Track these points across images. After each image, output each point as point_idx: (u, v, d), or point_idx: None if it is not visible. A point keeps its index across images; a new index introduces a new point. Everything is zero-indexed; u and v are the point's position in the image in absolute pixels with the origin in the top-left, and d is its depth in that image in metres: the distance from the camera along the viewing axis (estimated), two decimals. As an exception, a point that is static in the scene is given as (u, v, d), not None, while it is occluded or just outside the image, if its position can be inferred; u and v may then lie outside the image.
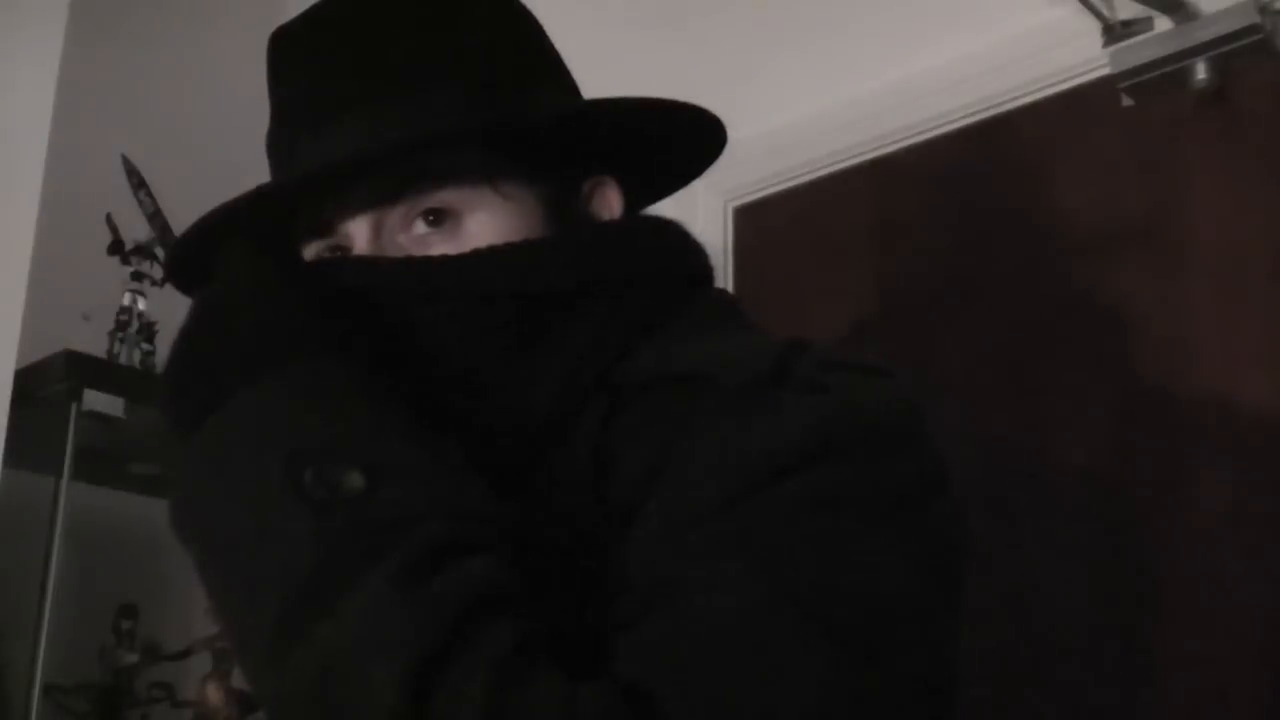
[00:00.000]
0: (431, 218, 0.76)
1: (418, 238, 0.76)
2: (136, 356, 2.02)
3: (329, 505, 0.61)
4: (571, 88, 0.85)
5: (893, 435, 0.69)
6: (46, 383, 1.93)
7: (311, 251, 0.79)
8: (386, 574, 0.58)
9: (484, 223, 0.76)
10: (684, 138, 0.86)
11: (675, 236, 0.84)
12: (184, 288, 0.83)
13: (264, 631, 0.60)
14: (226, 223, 0.76)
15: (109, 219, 2.05)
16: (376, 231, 0.76)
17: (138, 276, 2.04)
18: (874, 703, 0.61)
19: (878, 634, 0.62)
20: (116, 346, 2.02)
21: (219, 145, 2.26)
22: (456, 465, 0.66)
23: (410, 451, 0.65)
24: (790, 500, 0.64)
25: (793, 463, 0.65)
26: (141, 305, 2.04)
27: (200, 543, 0.66)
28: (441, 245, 0.75)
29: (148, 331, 2.03)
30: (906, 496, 0.67)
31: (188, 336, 0.71)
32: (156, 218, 2.02)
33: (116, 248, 2.05)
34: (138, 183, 2.03)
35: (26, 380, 1.97)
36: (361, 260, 0.76)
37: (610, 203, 0.83)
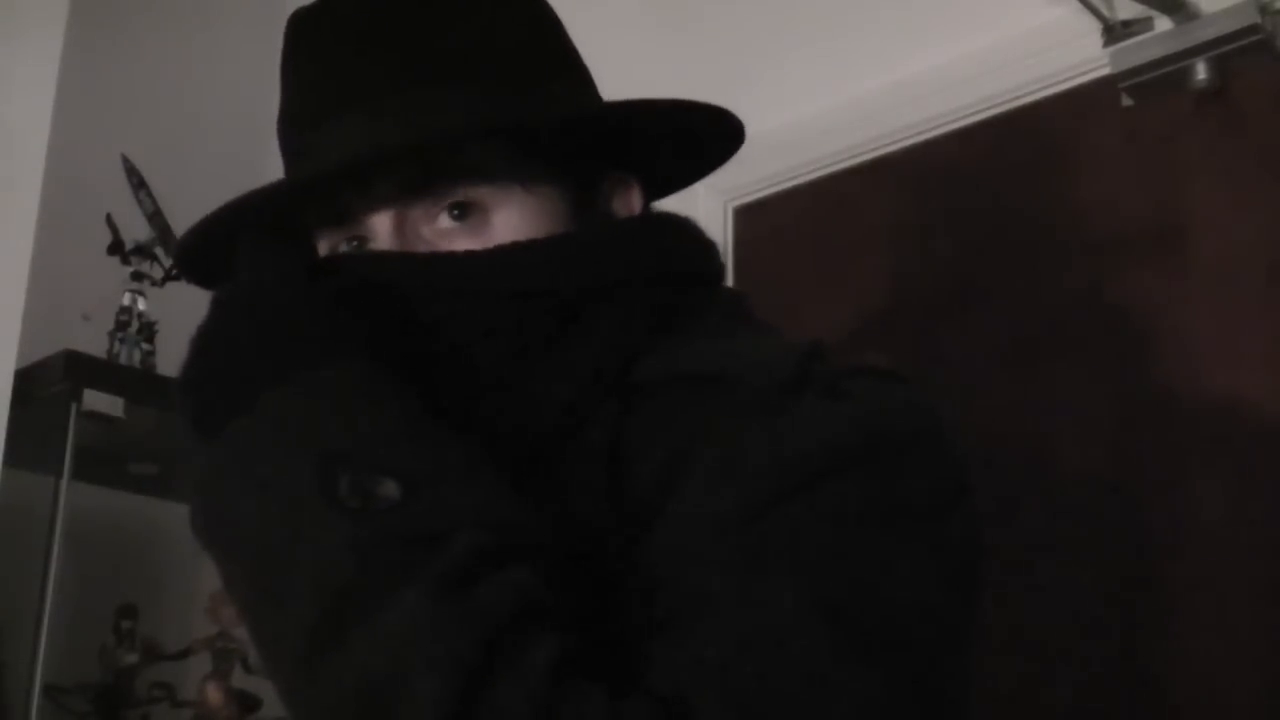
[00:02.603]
0: (457, 211, 0.75)
1: (442, 231, 0.75)
2: (136, 356, 2.02)
3: (364, 514, 0.60)
4: (589, 84, 0.85)
5: (916, 443, 0.69)
6: (46, 383, 1.93)
7: (327, 241, 0.78)
8: (425, 586, 0.57)
9: (510, 218, 0.75)
10: (703, 137, 0.86)
11: (692, 235, 0.84)
12: (196, 280, 0.82)
13: (298, 643, 0.59)
14: (243, 213, 0.74)
15: (109, 219, 2.04)
16: (400, 225, 0.75)
17: (138, 276, 2.04)
18: (900, 712, 0.61)
19: (904, 644, 0.62)
20: (116, 346, 2.02)
21: (219, 145, 2.26)
22: (489, 472, 0.65)
23: (444, 459, 0.64)
24: (814, 510, 0.64)
25: (818, 471, 0.64)
26: (141, 305, 2.04)
27: (227, 549, 0.64)
28: (466, 239, 0.74)
29: (148, 331, 2.03)
30: (931, 505, 0.67)
31: (209, 335, 0.69)
32: (156, 218, 2.02)
33: (116, 248, 2.05)
34: (138, 183, 2.03)
35: (26, 380, 1.97)
36: (383, 256, 0.74)
37: (630, 200, 0.82)
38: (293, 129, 0.79)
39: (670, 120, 0.83)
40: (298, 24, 0.80)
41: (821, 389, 0.68)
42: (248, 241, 0.73)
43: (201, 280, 0.81)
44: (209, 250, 0.78)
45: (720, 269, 0.85)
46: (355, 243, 0.77)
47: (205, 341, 0.69)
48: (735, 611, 0.61)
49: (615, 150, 0.82)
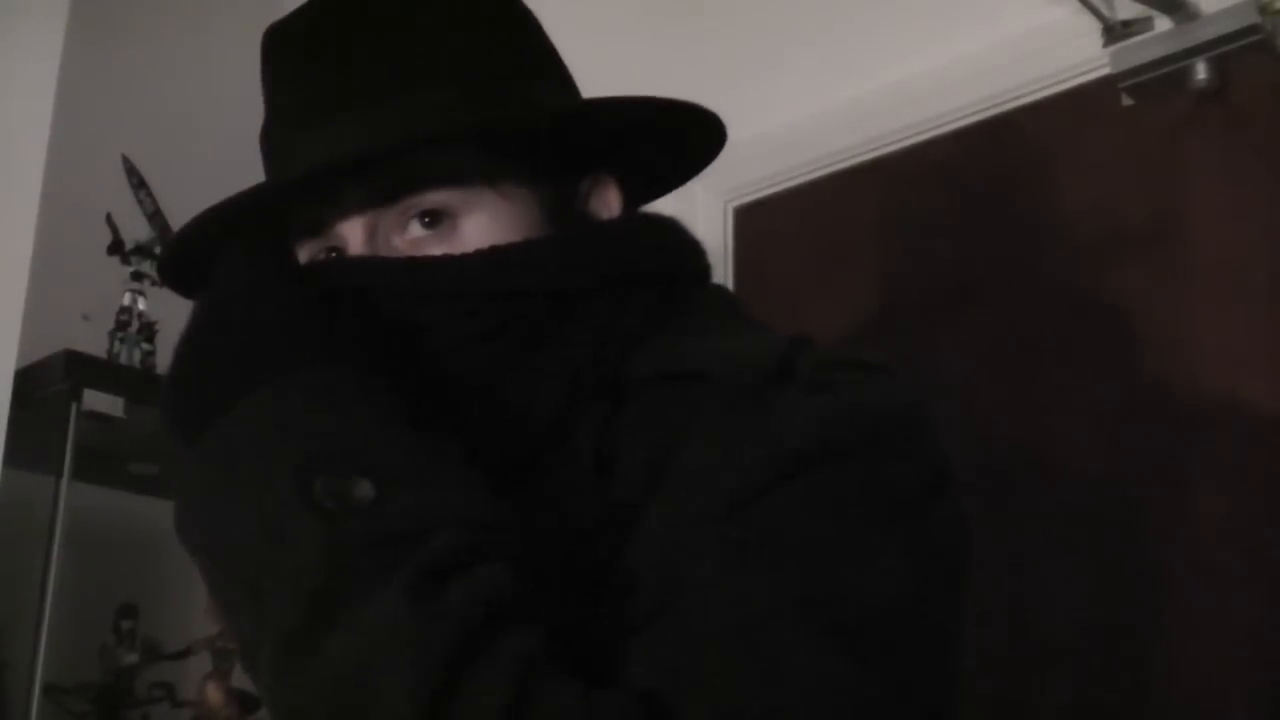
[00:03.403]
0: (427, 219, 0.75)
1: (413, 240, 0.75)
2: (136, 356, 2.02)
3: (339, 515, 0.60)
4: (568, 83, 0.85)
5: (898, 435, 0.69)
6: (46, 383, 1.93)
7: (305, 252, 0.78)
8: (399, 585, 0.58)
9: (481, 224, 0.75)
10: (684, 136, 0.85)
11: (674, 234, 0.84)
12: (179, 289, 0.82)
13: (275, 643, 0.59)
14: (221, 223, 0.75)
15: (109, 219, 2.05)
16: (370, 233, 0.75)
17: (138, 276, 2.04)
18: (884, 707, 0.61)
19: (888, 638, 0.62)
20: (116, 346, 2.02)
21: (219, 145, 2.26)
22: (465, 472, 0.65)
23: (419, 459, 0.64)
24: (797, 503, 0.64)
25: (799, 464, 0.65)
26: (141, 305, 2.04)
27: (207, 551, 0.65)
28: (437, 247, 0.75)
29: (148, 331, 2.03)
30: (912, 497, 0.67)
31: (189, 341, 0.69)
32: (156, 218, 2.02)
33: (116, 248, 2.05)
34: (138, 183, 2.03)
35: (26, 380, 1.97)
36: (362, 261, 0.75)
37: (609, 201, 0.82)
38: (268, 141, 0.79)
39: (647, 120, 0.82)
40: (270, 38, 0.80)
41: (804, 382, 0.68)
42: (227, 249, 0.73)
43: (186, 290, 0.81)
44: (191, 260, 0.78)
45: (706, 267, 0.85)
46: (332, 252, 0.77)
47: (186, 348, 0.70)
48: (714, 607, 0.61)
49: (593, 150, 0.82)
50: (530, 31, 0.84)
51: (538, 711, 0.56)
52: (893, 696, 0.61)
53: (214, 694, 1.90)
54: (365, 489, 0.61)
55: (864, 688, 0.60)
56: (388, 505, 0.61)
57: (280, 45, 0.80)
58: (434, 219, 0.75)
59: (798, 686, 0.59)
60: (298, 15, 0.80)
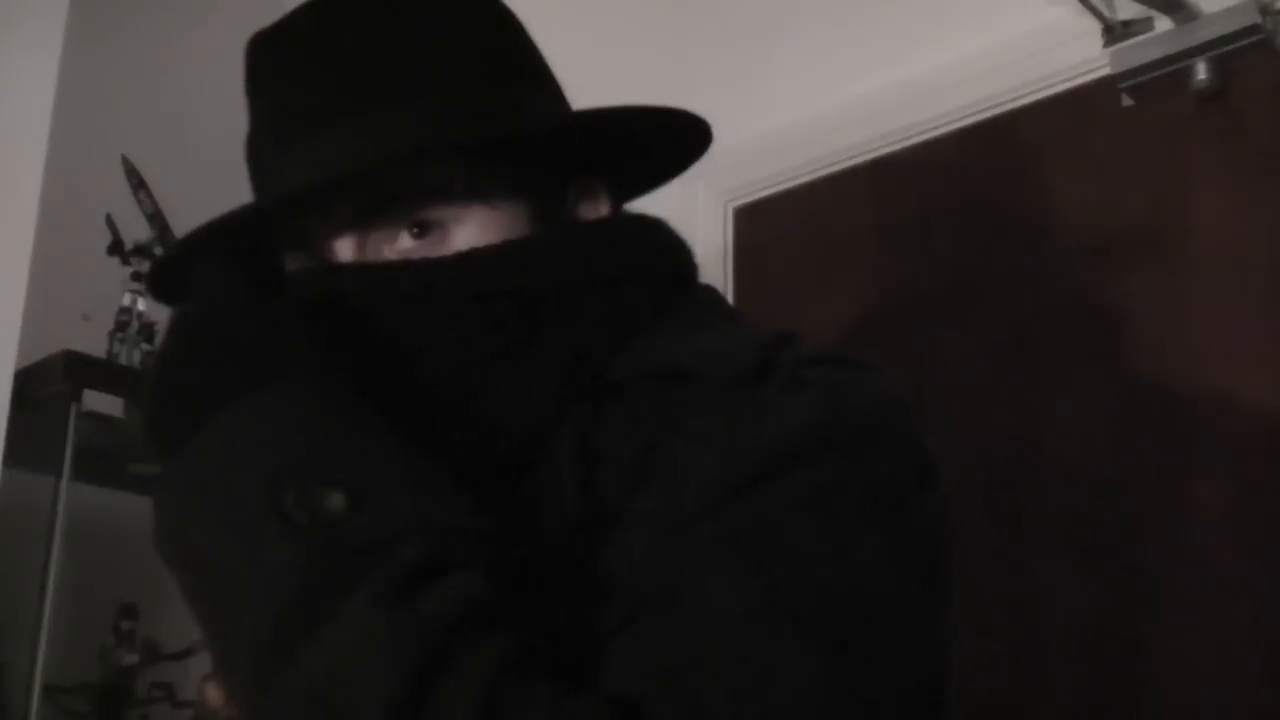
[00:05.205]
0: (416, 230, 0.75)
1: (403, 251, 0.75)
2: (136, 357, 2.02)
3: (311, 528, 0.60)
4: (555, 90, 0.84)
5: (878, 431, 0.69)
6: (46, 383, 1.93)
7: (296, 263, 0.78)
8: (371, 596, 0.58)
9: (470, 234, 0.75)
10: (670, 139, 0.86)
11: (662, 235, 0.84)
12: (168, 302, 0.82)
13: (249, 656, 0.60)
14: (210, 238, 0.75)
15: (109, 219, 2.04)
16: (361, 245, 0.75)
17: (138, 277, 2.04)
18: (865, 705, 0.61)
19: (867, 635, 0.62)
20: (116, 347, 2.02)
21: (219, 145, 2.24)
22: (439, 479, 0.65)
23: (392, 468, 0.64)
24: (776, 502, 0.64)
25: (778, 463, 0.65)
26: (141, 305, 2.04)
27: (184, 566, 0.65)
28: (428, 255, 0.74)
29: (148, 332, 2.04)
30: (893, 493, 0.67)
31: (165, 356, 0.70)
32: (156, 218, 2.01)
33: (116, 248, 2.04)
34: (138, 183, 2.03)
35: (26, 380, 1.97)
36: (346, 266, 0.75)
37: (597, 205, 0.82)
38: (255, 152, 0.79)
39: (633, 127, 0.83)
40: (254, 48, 0.80)
41: (784, 379, 0.68)
42: (203, 262, 0.73)
43: (175, 302, 0.81)
44: (180, 275, 0.78)
45: (693, 268, 0.85)
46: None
47: (162, 363, 0.69)
48: (688, 607, 0.61)
49: (581, 155, 0.82)
50: (517, 40, 0.83)
51: (509, 717, 0.56)
52: (875, 695, 0.61)
53: (214, 694, 1.89)
54: (336, 501, 0.61)
55: (845, 688, 0.60)
56: (359, 516, 0.61)
57: (265, 55, 0.79)
58: (423, 229, 0.75)
59: (776, 686, 0.59)
60: (281, 26, 0.79)
